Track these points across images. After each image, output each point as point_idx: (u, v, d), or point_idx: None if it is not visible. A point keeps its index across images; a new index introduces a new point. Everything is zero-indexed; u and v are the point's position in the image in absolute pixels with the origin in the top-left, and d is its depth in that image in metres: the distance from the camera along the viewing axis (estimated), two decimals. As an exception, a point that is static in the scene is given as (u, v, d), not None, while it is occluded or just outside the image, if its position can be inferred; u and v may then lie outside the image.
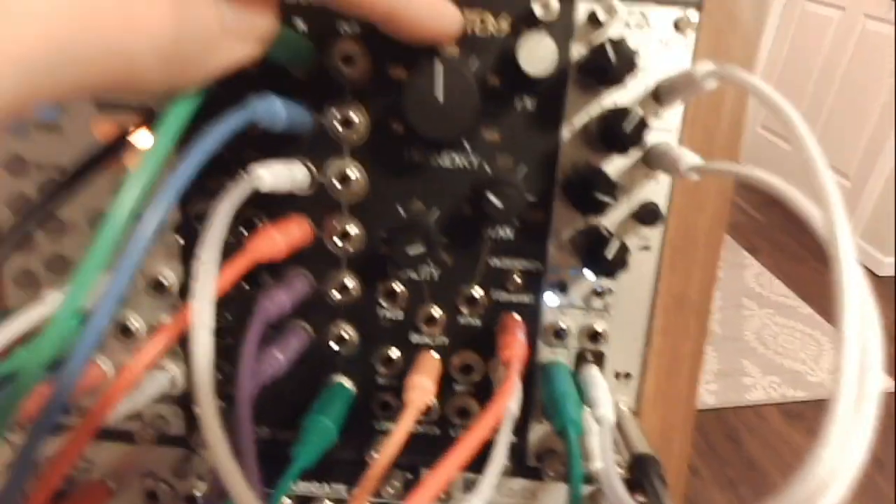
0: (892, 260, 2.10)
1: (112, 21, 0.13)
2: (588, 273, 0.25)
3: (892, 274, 2.11)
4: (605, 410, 0.22)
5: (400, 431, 0.20)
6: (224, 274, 0.19)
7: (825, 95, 2.35)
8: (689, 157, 0.20)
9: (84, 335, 0.15)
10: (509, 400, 0.19)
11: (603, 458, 0.19)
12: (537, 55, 0.21)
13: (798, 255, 2.21)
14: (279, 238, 0.21)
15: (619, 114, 0.21)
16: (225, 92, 0.19)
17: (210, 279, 0.16)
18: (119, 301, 0.16)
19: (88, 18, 0.12)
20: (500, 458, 0.18)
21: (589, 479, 0.27)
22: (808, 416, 1.61)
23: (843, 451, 0.12)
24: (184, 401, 0.26)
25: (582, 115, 0.23)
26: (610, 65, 0.21)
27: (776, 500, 0.12)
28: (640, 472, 0.21)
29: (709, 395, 1.61)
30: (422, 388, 0.22)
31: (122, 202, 0.15)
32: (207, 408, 0.14)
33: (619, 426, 0.24)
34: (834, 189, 0.13)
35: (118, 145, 0.20)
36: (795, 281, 2.06)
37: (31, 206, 0.19)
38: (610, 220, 0.24)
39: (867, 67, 2.19)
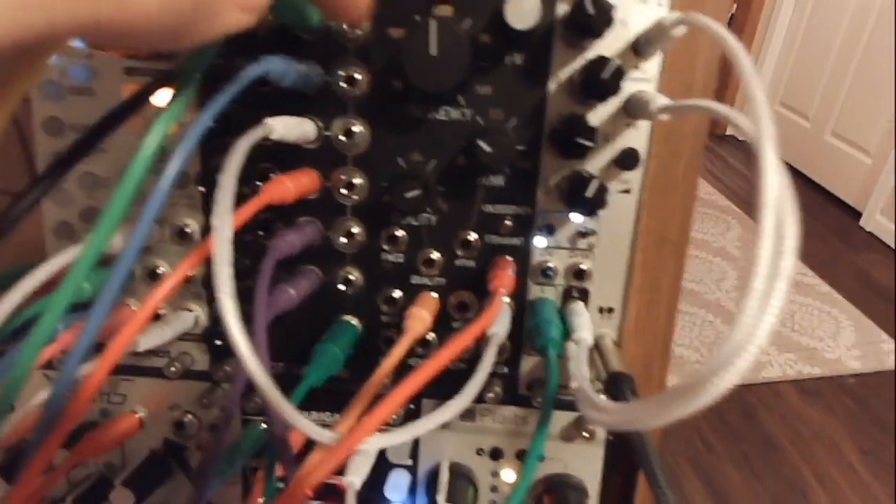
0: (914, 236, 2.06)
1: None
2: (574, 216, 0.27)
3: (914, 251, 2.07)
4: (583, 334, 0.24)
5: (396, 353, 0.23)
6: (241, 211, 0.21)
7: (845, 72, 2.30)
8: (659, 100, 0.21)
9: (111, 276, 0.17)
10: (491, 321, 0.21)
11: (578, 372, 0.21)
12: (522, 10, 0.23)
13: (818, 234, 2.19)
14: (289, 183, 0.24)
15: (598, 63, 0.23)
16: (238, 53, 0.21)
17: (229, 195, 0.18)
18: (143, 241, 0.18)
19: None
20: (484, 371, 0.21)
21: (575, 406, 0.29)
22: (825, 392, 1.61)
23: (758, 320, 0.14)
24: (208, 338, 0.29)
25: (567, 68, 0.25)
26: (589, 18, 0.22)
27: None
28: (613, 387, 0.23)
29: (724, 372, 1.62)
30: (420, 318, 0.25)
31: (144, 149, 0.17)
32: (229, 310, 0.17)
33: (601, 354, 0.26)
34: (765, 105, 0.15)
35: (138, 102, 0.23)
36: (814, 259, 2.04)
37: (60, 158, 0.22)
38: (593, 166, 0.26)
39: (887, 43, 2.13)
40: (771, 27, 2.58)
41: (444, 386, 0.30)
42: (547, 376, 0.22)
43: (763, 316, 0.14)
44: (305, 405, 0.30)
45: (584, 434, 0.28)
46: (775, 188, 0.14)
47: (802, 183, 2.51)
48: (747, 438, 1.48)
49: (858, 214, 2.24)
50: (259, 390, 0.17)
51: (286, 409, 0.17)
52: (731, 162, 2.68)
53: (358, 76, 0.25)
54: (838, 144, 2.34)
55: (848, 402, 1.58)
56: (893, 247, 2.08)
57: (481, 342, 0.23)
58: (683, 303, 1.86)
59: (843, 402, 1.58)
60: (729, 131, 2.83)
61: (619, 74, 0.23)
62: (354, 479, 0.27)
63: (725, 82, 2.75)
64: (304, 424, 0.18)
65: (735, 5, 2.62)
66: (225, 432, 0.21)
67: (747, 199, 2.40)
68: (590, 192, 0.24)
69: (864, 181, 2.22)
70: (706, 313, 1.81)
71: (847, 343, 1.73)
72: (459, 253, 0.28)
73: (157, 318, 0.27)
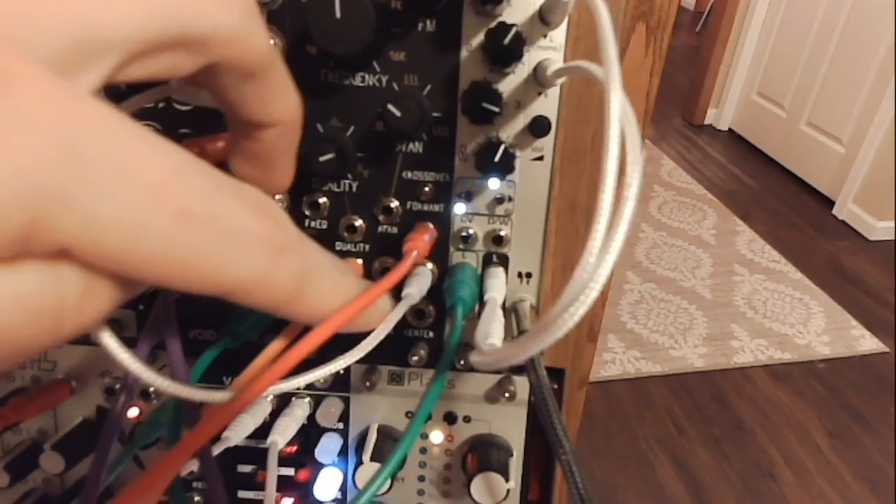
0: (885, 224, 2.11)
1: None
2: (491, 182, 0.27)
3: (885, 238, 2.12)
4: (493, 294, 0.25)
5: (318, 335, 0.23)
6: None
7: (820, 61, 2.34)
8: (554, 65, 0.22)
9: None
10: (395, 281, 0.22)
11: (479, 326, 0.22)
12: (428, -23, 0.23)
13: (792, 222, 2.23)
14: (206, 145, 0.24)
15: (500, 30, 0.24)
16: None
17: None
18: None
19: None
20: (385, 327, 0.21)
21: (499, 368, 0.30)
22: (795, 377, 1.64)
23: (601, 260, 0.14)
24: (135, 304, 0.29)
25: (478, 36, 0.26)
26: (492, -16, 0.23)
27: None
28: (520, 346, 0.24)
29: (697, 358, 1.65)
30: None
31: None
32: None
33: (517, 318, 0.27)
34: (613, 50, 0.15)
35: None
36: (788, 247, 2.08)
37: None
38: (506, 133, 0.27)
39: (862, 33, 2.17)
40: (748, 19, 2.60)
41: (374, 351, 0.31)
42: (449, 333, 0.23)
43: (605, 256, 0.15)
44: (236, 371, 0.30)
45: (506, 395, 0.29)
46: (620, 132, 0.15)
47: (777, 172, 2.55)
48: (718, 422, 1.52)
49: (832, 203, 2.28)
50: (116, 360, 0.16)
51: (145, 374, 0.17)
52: (708, 151, 2.71)
53: (272, 41, 0.25)
54: (813, 134, 2.38)
55: (817, 386, 1.62)
56: (865, 235, 2.13)
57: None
58: (659, 290, 1.88)
59: (812, 386, 1.62)
60: (707, 121, 2.86)
61: (519, 40, 0.23)
62: (278, 438, 0.27)
63: (704, 68, 2.77)
64: (177, 389, 0.18)
65: (713, -4, 2.64)
66: (119, 402, 0.22)
67: (724, 189, 2.43)
68: (497, 156, 0.25)
69: (838, 170, 2.26)
70: (681, 300, 1.84)
71: (817, 329, 1.77)
72: (381, 219, 0.28)
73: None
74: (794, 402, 1.60)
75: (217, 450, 0.26)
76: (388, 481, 0.28)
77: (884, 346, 1.72)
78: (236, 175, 0.19)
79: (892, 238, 2.11)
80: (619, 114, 0.15)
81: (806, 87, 2.40)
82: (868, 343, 1.74)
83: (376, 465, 0.28)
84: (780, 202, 2.36)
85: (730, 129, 2.82)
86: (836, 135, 2.27)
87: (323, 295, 0.16)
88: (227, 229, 0.12)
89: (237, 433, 0.27)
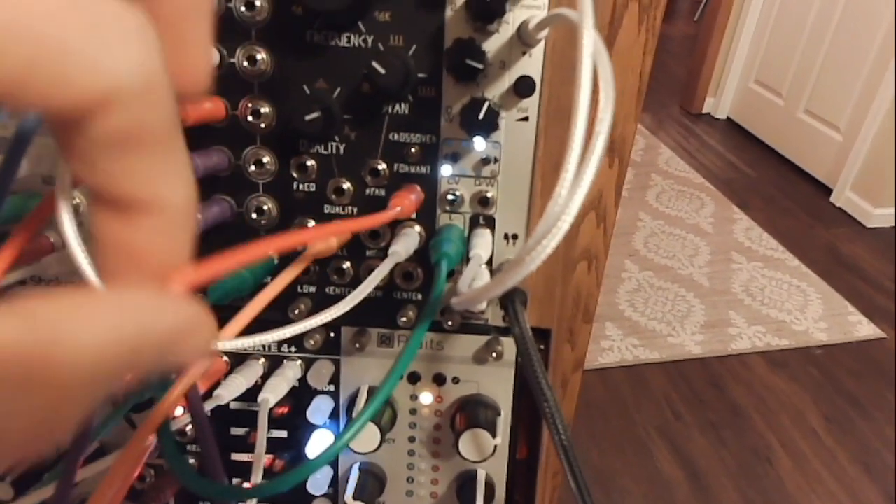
0: (882, 212, 2.11)
1: None
2: (476, 143, 0.28)
3: (882, 225, 2.12)
4: (478, 251, 0.25)
5: (290, 271, 0.24)
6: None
7: (818, 49, 2.33)
8: (535, 19, 0.22)
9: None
10: (369, 224, 0.22)
11: (470, 277, 0.23)
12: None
13: (789, 210, 2.23)
14: (188, 105, 0.24)
15: (484, -15, 0.24)
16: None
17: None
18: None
19: None
20: (370, 283, 0.22)
21: (486, 329, 0.31)
22: (792, 363, 1.65)
23: (572, 193, 0.15)
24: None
25: (463, -5, 0.26)
26: (475, -58, 0.23)
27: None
28: (505, 298, 0.24)
29: (694, 345, 1.65)
30: (325, 240, 0.26)
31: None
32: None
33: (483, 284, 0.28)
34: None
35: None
36: (785, 235, 2.08)
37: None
38: (491, 93, 0.27)
39: (859, 21, 2.16)
40: (745, 8, 2.59)
41: (362, 314, 0.31)
42: (433, 286, 0.23)
43: (576, 189, 0.15)
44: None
45: (493, 355, 0.30)
46: (591, 68, 0.15)
47: (775, 160, 2.55)
48: (715, 408, 1.52)
49: (829, 191, 2.28)
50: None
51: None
52: (706, 140, 2.70)
53: (258, 1, 0.26)
54: (810, 121, 2.38)
55: (814, 372, 1.63)
56: (862, 222, 2.13)
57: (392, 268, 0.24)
58: (657, 278, 1.89)
59: (809, 372, 1.63)
60: (705, 109, 2.86)
61: (502, -5, 0.23)
62: (269, 395, 0.28)
63: (702, 57, 2.77)
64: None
65: (711, -16, 2.63)
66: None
67: (721, 177, 2.43)
68: (481, 114, 0.25)
69: (835, 157, 2.25)
70: (678, 288, 1.84)
71: (815, 316, 1.77)
72: (369, 181, 0.29)
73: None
74: (791, 388, 1.60)
75: (208, 407, 0.26)
76: (377, 436, 0.28)
77: (881, 332, 1.73)
78: None
79: (890, 225, 2.11)
80: (591, 49, 0.15)
81: (803, 75, 2.39)
82: (865, 329, 1.74)
83: (369, 424, 0.28)
84: (777, 190, 2.36)
85: (727, 118, 2.82)
86: (833, 122, 2.27)
87: (177, 171, 0.13)
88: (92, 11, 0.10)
89: (229, 391, 0.27)
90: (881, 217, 2.11)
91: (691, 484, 1.34)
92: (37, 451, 0.10)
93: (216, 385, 0.28)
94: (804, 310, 1.80)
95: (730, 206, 2.23)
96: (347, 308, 0.22)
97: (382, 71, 0.24)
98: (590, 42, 0.15)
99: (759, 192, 2.34)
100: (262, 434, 0.25)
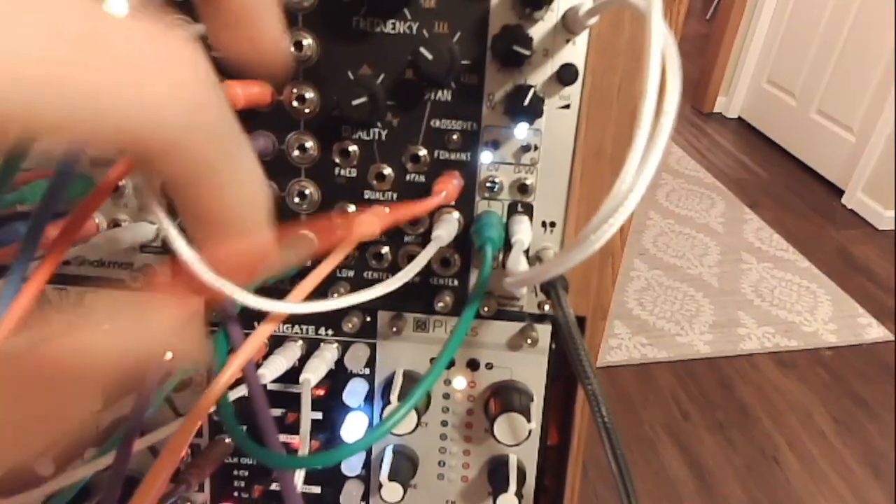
0: (893, 214, 2.10)
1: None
2: (517, 131, 0.28)
3: (893, 227, 2.11)
4: (520, 237, 0.26)
5: (336, 254, 0.24)
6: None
7: (831, 49, 2.32)
8: (585, 6, 0.23)
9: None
10: (418, 211, 0.22)
11: (511, 264, 0.23)
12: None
13: (800, 211, 2.22)
14: (238, 89, 0.25)
15: (533, -27, 0.24)
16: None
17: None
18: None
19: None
20: (417, 264, 0.22)
21: (521, 316, 0.31)
22: (801, 364, 1.65)
23: (639, 173, 0.15)
24: (168, 249, 0.30)
25: (509, -17, 0.26)
26: (525, -69, 0.24)
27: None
28: (547, 284, 0.25)
29: (703, 345, 1.65)
30: (368, 222, 0.26)
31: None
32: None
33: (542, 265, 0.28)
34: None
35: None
36: (796, 235, 2.07)
37: None
38: (534, 81, 0.27)
39: (873, 21, 2.15)
40: (758, 7, 2.58)
41: (400, 298, 0.32)
42: (480, 269, 0.23)
43: (643, 169, 0.15)
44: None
45: (528, 341, 0.30)
46: (661, 49, 0.15)
47: (787, 160, 2.54)
48: (723, 408, 1.52)
49: (841, 192, 2.27)
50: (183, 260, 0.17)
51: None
52: (717, 139, 2.70)
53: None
54: (823, 122, 2.37)
55: (823, 373, 1.62)
56: (874, 224, 2.12)
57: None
58: (666, 277, 1.89)
59: (817, 373, 1.62)
60: (716, 109, 2.85)
61: (552, -18, 0.24)
62: (310, 376, 0.28)
63: (714, 56, 2.75)
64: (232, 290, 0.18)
65: (725, -17, 2.61)
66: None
67: (732, 177, 2.42)
68: (526, 100, 0.25)
69: (848, 159, 2.24)
70: (688, 287, 1.84)
71: (824, 317, 1.77)
72: (409, 167, 0.29)
73: (116, 225, 0.29)
74: (800, 389, 1.60)
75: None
76: (414, 419, 0.28)
77: (890, 335, 1.72)
78: (215, 44, 0.17)
79: (901, 228, 2.10)
80: (661, 42, 0.16)
81: (816, 76, 2.38)
82: (875, 331, 1.74)
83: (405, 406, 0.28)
84: (788, 191, 2.35)
85: (739, 117, 2.80)
86: (846, 124, 2.26)
87: (252, 169, 0.14)
88: (125, 55, 0.10)
89: (270, 371, 0.28)
90: (893, 219, 2.10)
91: (698, 483, 1.35)
92: (54, 438, 0.12)
93: (257, 366, 0.29)
94: (814, 311, 1.79)
95: (740, 207, 2.23)
96: (390, 289, 0.23)
97: (430, 57, 0.25)
98: (659, 31, 0.15)
99: (769, 193, 2.33)
100: (307, 411, 0.26)
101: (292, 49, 0.27)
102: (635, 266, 1.92)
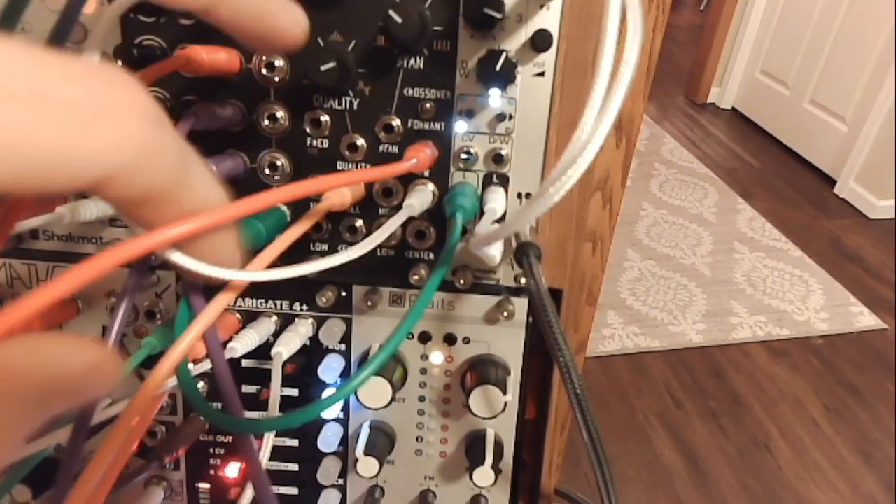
0: (885, 203, 2.10)
1: None
2: (491, 100, 0.28)
3: (885, 216, 2.12)
4: (493, 205, 0.25)
5: (303, 222, 0.23)
6: (148, 71, 0.22)
7: (824, 40, 2.32)
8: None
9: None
10: (385, 173, 0.22)
11: (479, 227, 0.23)
12: None
13: (792, 200, 2.22)
14: (204, 54, 0.24)
15: (503, -66, 0.24)
16: None
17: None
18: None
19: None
20: (385, 230, 0.22)
21: (498, 290, 0.31)
22: (793, 352, 1.65)
23: (598, 123, 0.15)
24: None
25: (480, -53, 0.25)
26: None
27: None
28: (519, 252, 0.24)
29: (696, 334, 1.66)
30: (339, 192, 0.26)
31: None
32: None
33: (516, 235, 0.27)
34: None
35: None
36: (789, 225, 2.08)
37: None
38: (508, 47, 0.27)
39: (866, 12, 2.14)
40: (753, -4, 2.58)
41: (374, 272, 0.31)
42: (448, 235, 0.23)
43: (602, 119, 0.15)
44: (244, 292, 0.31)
45: (505, 314, 0.30)
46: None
47: (779, 150, 2.54)
48: (715, 396, 1.53)
49: (833, 182, 2.28)
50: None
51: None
52: (711, 130, 2.69)
53: None
54: (816, 112, 2.37)
55: (814, 361, 1.63)
56: (866, 213, 2.13)
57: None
58: (659, 267, 1.89)
59: (809, 361, 1.63)
60: (710, 99, 2.84)
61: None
62: (282, 349, 0.28)
63: (708, 46, 2.75)
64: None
65: (718, -28, 2.61)
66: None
67: (725, 167, 2.42)
68: (498, 65, 0.25)
69: (840, 149, 2.25)
70: (681, 277, 1.84)
71: (816, 306, 1.77)
72: (382, 137, 0.28)
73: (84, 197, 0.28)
74: (791, 377, 1.61)
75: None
76: (388, 392, 0.28)
77: (882, 323, 1.73)
78: (235, 34, 0.17)
79: (893, 217, 2.11)
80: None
81: (809, 66, 2.38)
82: (866, 320, 1.74)
83: (380, 379, 0.28)
84: (781, 181, 2.36)
85: (732, 108, 2.80)
86: (839, 113, 2.26)
87: (206, 186, 0.14)
88: (71, 108, 0.10)
89: (242, 345, 0.27)
90: (885, 208, 2.10)
91: (691, 471, 1.35)
92: None
93: (229, 341, 0.28)
94: (806, 300, 1.80)
95: (733, 196, 2.23)
96: (358, 255, 0.22)
97: (399, 20, 0.24)
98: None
99: (762, 183, 2.33)
100: (276, 385, 0.26)
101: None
102: (628, 256, 1.92)
